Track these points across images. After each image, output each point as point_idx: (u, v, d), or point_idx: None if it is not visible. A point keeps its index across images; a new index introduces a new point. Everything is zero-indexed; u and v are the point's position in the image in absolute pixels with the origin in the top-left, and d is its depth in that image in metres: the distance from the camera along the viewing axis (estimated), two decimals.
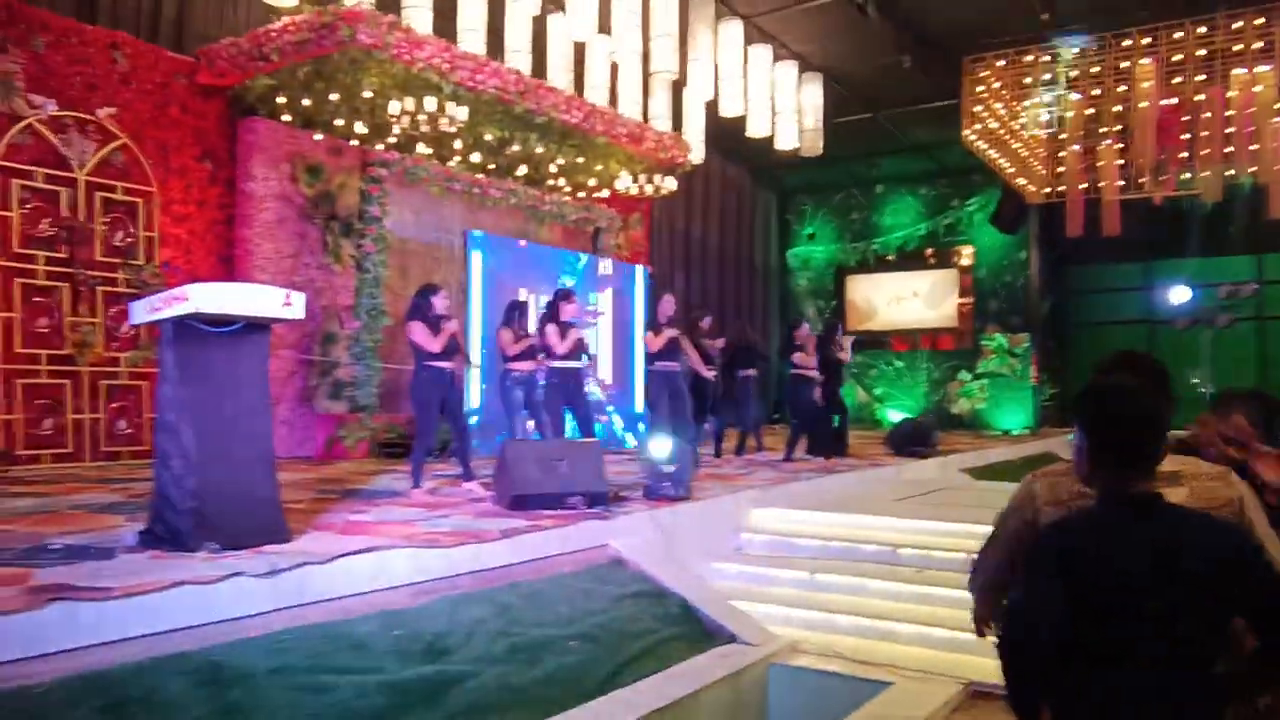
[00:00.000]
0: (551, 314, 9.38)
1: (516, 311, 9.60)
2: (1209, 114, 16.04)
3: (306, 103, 11.61)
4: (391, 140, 12.45)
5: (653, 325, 10.46)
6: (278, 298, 5.80)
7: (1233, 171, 16.86)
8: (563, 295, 9.41)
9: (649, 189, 15.25)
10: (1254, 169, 16.49)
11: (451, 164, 13.77)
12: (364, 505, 7.53)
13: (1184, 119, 16.43)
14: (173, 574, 4.94)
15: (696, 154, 15.44)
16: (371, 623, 4.98)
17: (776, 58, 15.76)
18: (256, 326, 5.87)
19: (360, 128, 12.00)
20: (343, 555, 5.50)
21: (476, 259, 13.47)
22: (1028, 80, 16.70)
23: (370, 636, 4.85)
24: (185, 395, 5.59)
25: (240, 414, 5.75)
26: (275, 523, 5.87)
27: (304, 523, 6.56)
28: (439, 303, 8.28)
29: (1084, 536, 2.53)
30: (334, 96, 11.34)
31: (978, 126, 17.09)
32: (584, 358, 9.46)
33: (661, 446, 8.03)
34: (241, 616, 4.82)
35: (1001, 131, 17.64)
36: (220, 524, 5.56)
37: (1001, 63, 16.66)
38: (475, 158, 13.57)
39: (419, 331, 8.20)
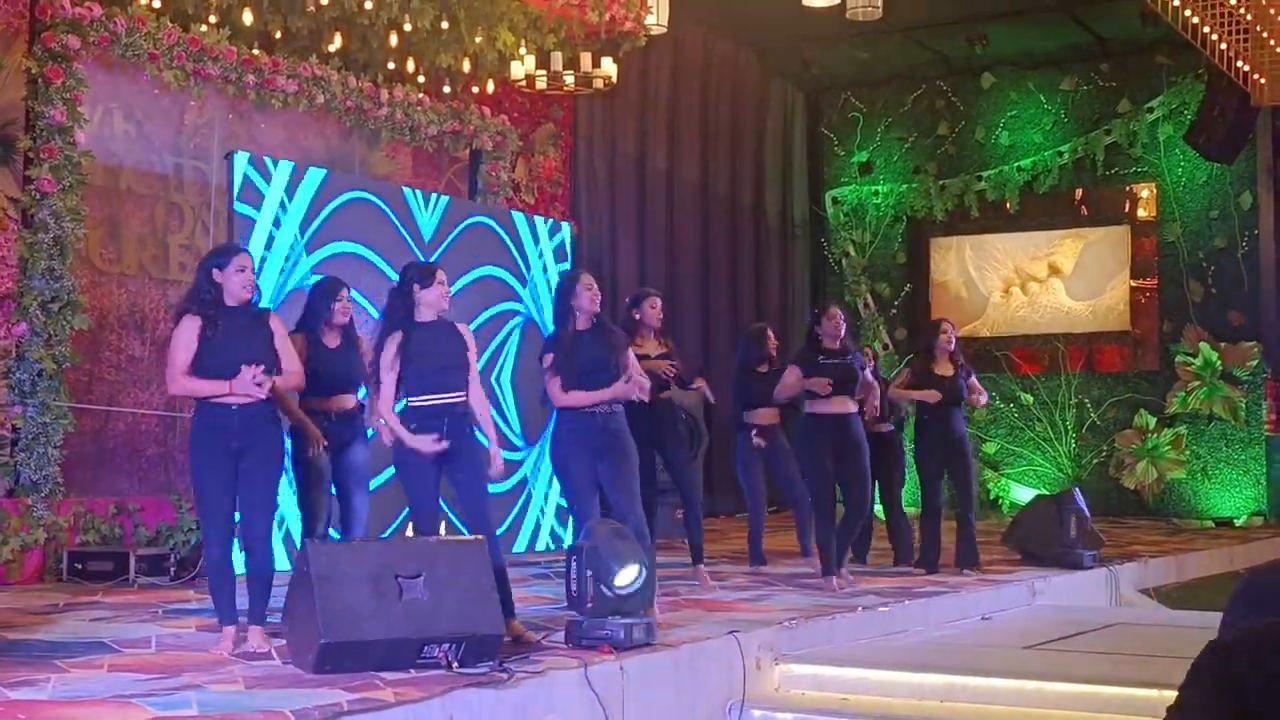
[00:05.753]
0: (401, 310, 7.62)
1: (328, 301, 8.17)
2: None
3: None
4: None
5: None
6: None
7: None
8: (420, 274, 7.70)
9: (570, 79, 12.61)
10: None
11: (202, 30, 10.83)
12: (36, 670, 6.14)
13: None
14: None
15: (659, 14, 12.91)
16: None
17: None
18: None
19: None
20: None
21: (249, 204, 10.43)
22: None
23: None
24: None
25: None
26: None
27: None
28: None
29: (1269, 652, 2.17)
30: None
31: None
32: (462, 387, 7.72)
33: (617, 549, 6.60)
34: None
35: None
36: None
37: None
38: (247, 18, 10.77)
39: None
